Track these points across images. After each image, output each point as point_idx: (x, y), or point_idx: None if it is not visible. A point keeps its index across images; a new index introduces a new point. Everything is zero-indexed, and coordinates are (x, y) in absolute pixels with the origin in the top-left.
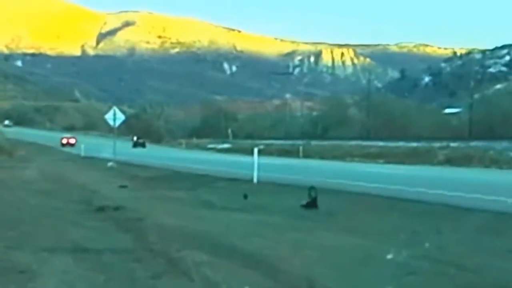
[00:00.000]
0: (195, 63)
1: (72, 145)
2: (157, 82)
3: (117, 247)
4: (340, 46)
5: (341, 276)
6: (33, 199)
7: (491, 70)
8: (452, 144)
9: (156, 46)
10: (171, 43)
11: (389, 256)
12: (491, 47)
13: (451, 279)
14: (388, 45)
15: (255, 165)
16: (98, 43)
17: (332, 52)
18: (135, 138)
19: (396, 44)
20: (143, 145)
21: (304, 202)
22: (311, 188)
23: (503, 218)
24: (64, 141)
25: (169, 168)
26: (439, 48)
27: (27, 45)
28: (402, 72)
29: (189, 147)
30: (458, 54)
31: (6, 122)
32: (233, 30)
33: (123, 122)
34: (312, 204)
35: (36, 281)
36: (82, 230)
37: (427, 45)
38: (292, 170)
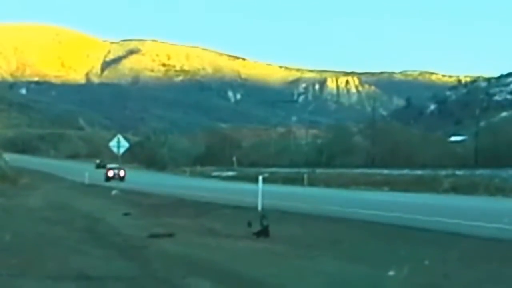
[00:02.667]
0: (199, 91)
1: (121, 178)
2: (161, 110)
3: (121, 275)
4: (345, 74)
5: None
6: (37, 227)
7: (497, 98)
8: (458, 172)
9: (160, 74)
10: (175, 71)
11: (394, 285)
12: (496, 75)
13: None
14: (393, 73)
15: (260, 193)
16: (102, 71)
17: (337, 80)
18: (97, 161)
19: (401, 72)
20: (104, 167)
21: (255, 230)
22: (263, 216)
23: (508, 246)
24: (111, 173)
25: (173, 196)
26: (444, 76)
27: (32, 73)
28: (408, 100)
29: (193, 174)
30: (463, 82)
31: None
32: (238, 58)
33: (127, 150)
34: (263, 232)
35: None
36: (86, 257)
37: (432, 73)
38: (297, 198)
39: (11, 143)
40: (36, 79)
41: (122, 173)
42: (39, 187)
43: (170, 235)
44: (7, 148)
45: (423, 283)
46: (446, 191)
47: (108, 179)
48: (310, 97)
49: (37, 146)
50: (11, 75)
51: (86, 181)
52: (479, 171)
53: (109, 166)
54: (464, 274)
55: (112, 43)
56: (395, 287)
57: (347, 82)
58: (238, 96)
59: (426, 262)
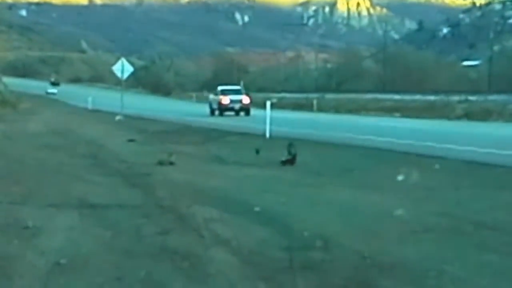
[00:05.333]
0: (206, 13)
1: (245, 109)
2: (166, 33)
3: (125, 203)
4: None
5: (356, 234)
6: (38, 153)
7: None
8: (471, 98)
9: None
10: None
11: (406, 213)
12: None
13: (469, 236)
14: None
15: (268, 119)
16: None
17: (347, 2)
18: (52, 79)
19: None
20: (58, 84)
21: (283, 158)
22: (290, 144)
23: None
24: (226, 101)
25: (179, 122)
26: None
27: None
28: (420, 23)
29: (200, 100)
30: (478, 4)
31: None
32: None
33: (132, 74)
34: (291, 161)
35: (40, 237)
36: (89, 185)
37: None
38: (305, 125)
39: (11, 66)
40: (36, 0)
41: (246, 99)
42: (40, 112)
43: (171, 163)
44: (7, 72)
45: (436, 211)
46: (458, 117)
47: (219, 110)
48: (320, 20)
49: (38, 69)
50: None
51: (89, 106)
52: (492, 97)
53: (221, 88)
54: (476, 201)
55: None
56: (404, 217)
57: (358, 4)
58: (246, 19)
59: (438, 190)
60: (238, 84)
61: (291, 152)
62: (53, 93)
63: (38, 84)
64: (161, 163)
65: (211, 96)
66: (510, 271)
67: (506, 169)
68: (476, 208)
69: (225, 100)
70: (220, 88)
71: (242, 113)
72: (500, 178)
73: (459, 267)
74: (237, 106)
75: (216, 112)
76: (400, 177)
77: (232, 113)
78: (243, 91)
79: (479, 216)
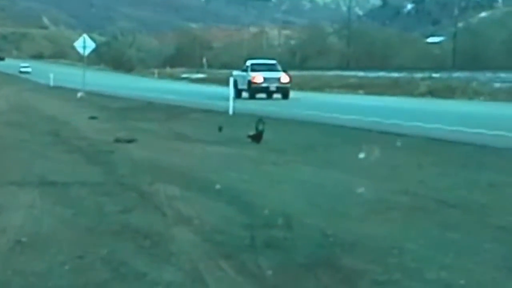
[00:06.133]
0: None
1: (285, 91)
2: (129, 8)
3: (86, 181)
4: None
5: (318, 212)
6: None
7: None
8: (435, 75)
9: None
10: None
11: (368, 191)
12: None
13: (431, 214)
14: None
15: (231, 96)
16: None
17: None
18: None
19: None
20: (2, 59)
21: (251, 133)
22: (259, 120)
23: (485, 152)
24: (259, 79)
25: (141, 99)
26: None
27: None
28: None
29: (162, 76)
30: None
31: None
32: None
33: (94, 51)
34: (258, 136)
35: (0, 215)
36: (50, 162)
37: None
38: (269, 101)
39: None
40: None
41: (285, 78)
42: (1, 89)
43: (131, 141)
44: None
45: (399, 189)
46: (422, 94)
47: (249, 91)
48: None
49: None
50: None
51: (51, 83)
52: (456, 74)
53: (251, 62)
54: (440, 179)
55: None
56: (366, 195)
57: None
58: None
59: (401, 168)
60: (200, 60)
61: (258, 128)
62: (26, 72)
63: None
64: (118, 140)
65: (236, 73)
66: (473, 249)
67: (470, 146)
68: (439, 186)
69: (258, 78)
70: (249, 62)
71: (277, 95)
72: (464, 156)
73: (421, 245)
74: (273, 86)
75: (244, 94)
76: (362, 155)
77: (263, 95)
78: (280, 67)
79: (442, 194)
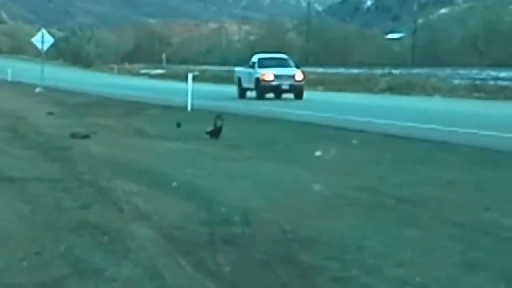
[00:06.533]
0: None
1: (298, 90)
2: (87, 3)
3: (44, 177)
4: None
5: (277, 208)
6: None
7: None
8: (394, 71)
9: None
10: None
11: (327, 187)
12: None
13: (390, 211)
14: None
15: (189, 92)
16: None
17: None
18: None
19: None
20: None
21: (209, 129)
22: (218, 116)
23: (443, 148)
24: (269, 76)
25: (100, 95)
26: None
27: None
28: None
29: (121, 72)
30: None
31: None
32: None
33: (52, 46)
34: (216, 132)
35: None
36: (8, 158)
37: None
38: (227, 97)
39: None
40: None
41: (299, 75)
42: None
43: (87, 136)
44: None
45: (357, 185)
46: (382, 90)
47: (258, 91)
48: None
49: None
50: None
51: (9, 78)
52: (416, 70)
53: (259, 56)
54: (397, 176)
55: None
56: (325, 192)
57: None
58: None
59: (360, 164)
60: (159, 55)
61: (216, 124)
62: None
63: None
64: (74, 135)
65: (240, 70)
66: (430, 246)
67: (428, 143)
68: (397, 183)
69: (268, 75)
70: (257, 57)
71: (289, 95)
72: (421, 152)
73: (380, 242)
74: (286, 84)
75: (249, 93)
76: (319, 152)
77: (271, 95)
78: (292, 62)
79: (400, 191)
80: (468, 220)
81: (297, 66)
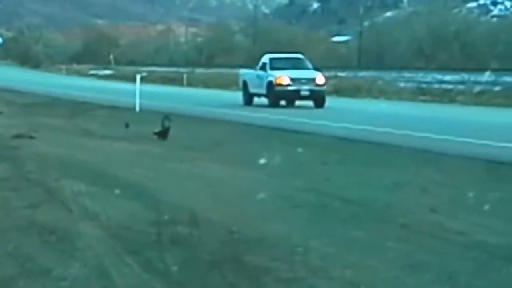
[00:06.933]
0: None
1: (320, 96)
2: (36, 4)
3: None
4: None
5: (224, 209)
6: None
7: None
8: (340, 74)
9: None
10: None
11: (274, 188)
12: None
13: (336, 212)
14: None
15: (137, 93)
16: None
17: None
18: None
19: None
20: None
21: (157, 130)
22: (165, 117)
23: (389, 150)
24: (285, 80)
25: (48, 95)
26: None
27: None
28: None
29: (70, 73)
30: None
31: None
32: None
33: (0, 46)
34: (164, 133)
35: None
36: None
37: None
38: (175, 99)
39: None
40: None
41: (320, 78)
42: None
43: (34, 136)
44: None
45: (305, 187)
46: (328, 93)
47: (273, 97)
48: None
49: None
50: None
51: None
52: (362, 73)
53: (271, 56)
54: (344, 177)
55: None
56: (272, 193)
57: None
58: None
59: (307, 165)
60: (108, 56)
61: (164, 124)
62: None
63: None
64: (19, 136)
65: (246, 72)
66: (376, 247)
67: (374, 145)
68: (343, 184)
69: (284, 78)
70: (268, 56)
71: (308, 102)
72: (368, 154)
73: (326, 243)
74: (305, 89)
75: (257, 99)
76: (267, 153)
77: (283, 102)
78: (310, 63)
79: (346, 192)
80: (414, 222)
81: (316, 69)
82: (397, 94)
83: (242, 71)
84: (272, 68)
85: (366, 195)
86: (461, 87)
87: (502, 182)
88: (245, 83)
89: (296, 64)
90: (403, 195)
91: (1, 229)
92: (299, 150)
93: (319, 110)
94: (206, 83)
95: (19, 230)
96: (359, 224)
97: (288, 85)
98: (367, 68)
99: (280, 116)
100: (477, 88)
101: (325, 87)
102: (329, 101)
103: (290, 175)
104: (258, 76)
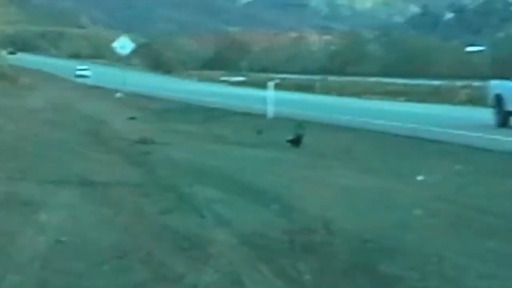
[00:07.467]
0: None
1: None
2: (168, 10)
3: (126, 181)
4: None
5: (357, 218)
6: (38, 129)
7: None
8: (474, 84)
9: None
10: None
11: (408, 199)
12: None
13: (472, 223)
14: None
15: (270, 99)
16: None
17: None
18: (9, 49)
19: None
20: (14, 53)
21: (290, 137)
22: (299, 124)
23: None
24: None
25: (180, 101)
26: None
27: None
28: (424, 7)
29: (201, 79)
30: None
31: (10, 49)
32: None
33: (132, 51)
34: (297, 140)
35: (40, 214)
36: (90, 162)
37: None
38: (308, 106)
39: (10, 40)
40: None
41: None
42: (40, 88)
43: (164, 143)
44: (6, 46)
45: (437, 195)
46: (462, 102)
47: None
48: (323, 1)
49: (37, 44)
50: None
51: (89, 82)
52: None
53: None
54: (478, 188)
55: None
56: (407, 199)
57: None
58: None
59: (439, 175)
60: (239, 63)
61: (297, 132)
62: (85, 76)
63: (38, 59)
64: (151, 141)
65: (500, 84)
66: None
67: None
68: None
69: None
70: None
71: None
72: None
73: (460, 254)
74: None
75: None
76: (399, 162)
77: None
78: None
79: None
80: None
81: None
82: None
83: (495, 82)
84: None
85: (499, 205)
86: None
87: None
88: (498, 98)
89: None
90: None
91: (134, 234)
92: (433, 160)
93: (471, 123)
94: (339, 91)
95: (152, 236)
96: (495, 234)
97: None
98: (501, 78)
99: (411, 125)
100: None
101: None
102: (463, 110)
103: (425, 184)
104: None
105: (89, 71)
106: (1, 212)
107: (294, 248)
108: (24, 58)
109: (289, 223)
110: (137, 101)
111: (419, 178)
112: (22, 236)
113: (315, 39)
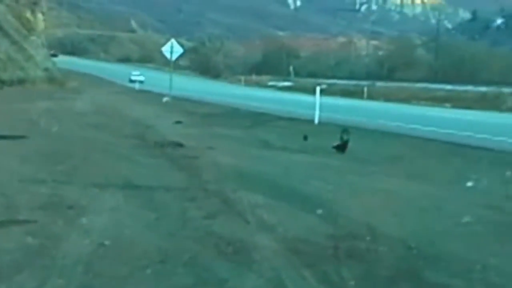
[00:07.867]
0: None
1: None
2: (217, 14)
3: (171, 185)
4: None
5: (402, 224)
6: (84, 132)
7: None
8: None
9: None
10: None
11: (453, 206)
12: None
13: None
14: None
15: (317, 105)
16: None
17: None
18: (52, 52)
19: None
20: (56, 56)
21: (335, 143)
22: (344, 130)
23: None
24: None
25: (227, 105)
26: None
27: None
28: (474, 13)
29: (248, 83)
30: None
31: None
32: None
33: (181, 56)
34: (343, 146)
35: (85, 218)
36: (135, 166)
37: None
38: (355, 112)
39: (60, 44)
40: None
41: None
42: (88, 91)
43: (210, 147)
44: (56, 49)
45: (483, 203)
46: (510, 109)
47: None
48: (373, 6)
49: (86, 48)
50: None
51: (137, 86)
52: None
53: None
54: None
55: None
56: (454, 205)
57: None
58: (298, 3)
59: (485, 182)
60: (287, 68)
61: (343, 138)
62: (139, 81)
63: (87, 62)
64: (196, 145)
65: None
66: None
67: None
68: None
69: None
70: None
71: None
72: None
73: (506, 261)
74: None
75: None
76: (444, 168)
77: None
78: None
79: None
80: None
81: None
82: None
83: None
84: None
85: None
86: None
87: None
88: None
89: None
90: None
91: (178, 239)
92: (479, 167)
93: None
94: (387, 96)
95: (196, 240)
96: None
97: None
98: None
99: (467, 133)
100: None
101: None
102: (506, 116)
103: (472, 191)
104: None
105: (143, 76)
106: (46, 216)
107: (338, 254)
108: (72, 61)
109: (334, 228)
110: (185, 105)
111: (469, 184)
112: (66, 239)
113: (363, 44)
